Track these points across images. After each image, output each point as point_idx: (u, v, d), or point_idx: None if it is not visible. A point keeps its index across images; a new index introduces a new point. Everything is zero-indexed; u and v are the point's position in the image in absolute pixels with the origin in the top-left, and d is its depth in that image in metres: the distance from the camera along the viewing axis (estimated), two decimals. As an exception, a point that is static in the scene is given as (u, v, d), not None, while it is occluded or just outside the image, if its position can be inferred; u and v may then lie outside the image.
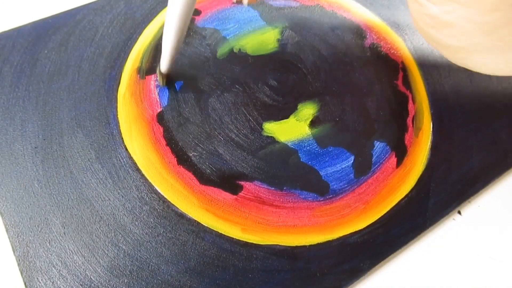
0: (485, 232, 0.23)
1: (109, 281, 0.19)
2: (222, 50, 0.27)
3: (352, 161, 0.24)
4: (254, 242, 0.21)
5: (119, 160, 0.22)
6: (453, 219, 0.23)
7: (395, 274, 0.22)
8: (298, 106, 0.26)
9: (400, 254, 0.22)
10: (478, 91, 0.28)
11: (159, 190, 0.22)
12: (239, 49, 0.27)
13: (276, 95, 0.26)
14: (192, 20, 0.28)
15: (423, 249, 0.22)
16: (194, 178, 0.22)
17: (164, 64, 0.24)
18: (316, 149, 0.24)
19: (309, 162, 0.24)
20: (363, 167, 0.24)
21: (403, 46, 0.30)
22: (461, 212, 0.24)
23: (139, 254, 0.20)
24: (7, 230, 0.20)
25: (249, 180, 0.23)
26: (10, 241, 0.20)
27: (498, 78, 0.29)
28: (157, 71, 0.25)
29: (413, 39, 0.30)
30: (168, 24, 0.22)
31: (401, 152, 0.25)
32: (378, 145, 0.25)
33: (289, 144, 0.24)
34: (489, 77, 0.29)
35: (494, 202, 0.24)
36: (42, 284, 0.19)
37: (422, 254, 0.22)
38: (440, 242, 0.23)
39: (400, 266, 0.22)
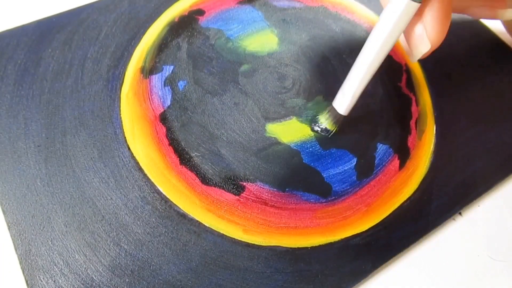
0: (485, 232, 0.23)
1: (110, 280, 0.19)
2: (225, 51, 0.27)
3: (355, 163, 0.24)
4: (256, 243, 0.21)
5: (122, 159, 0.22)
6: (453, 219, 0.23)
7: (396, 276, 0.21)
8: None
9: (401, 255, 0.22)
10: (482, 94, 0.28)
11: (161, 190, 0.22)
12: (243, 50, 0.27)
13: (279, 96, 0.26)
14: (196, 20, 0.28)
15: (423, 249, 0.22)
16: (197, 178, 0.22)
17: (346, 105, 0.22)
18: (319, 150, 0.24)
19: (312, 164, 0.24)
20: (366, 169, 0.24)
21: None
22: (462, 212, 0.24)
23: (140, 254, 0.20)
24: (9, 228, 0.20)
25: (251, 181, 0.23)
26: (12, 239, 0.20)
27: (501, 80, 0.29)
28: (328, 112, 0.23)
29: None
30: (367, 62, 0.20)
31: (404, 154, 0.25)
32: (381, 148, 0.25)
33: (291, 145, 0.24)
34: (492, 79, 0.29)
35: (494, 202, 0.24)
36: (44, 283, 0.19)
37: (422, 254, 0.22)
38: (440, 242, 0.23)
39: (401, 267, 0.22)
